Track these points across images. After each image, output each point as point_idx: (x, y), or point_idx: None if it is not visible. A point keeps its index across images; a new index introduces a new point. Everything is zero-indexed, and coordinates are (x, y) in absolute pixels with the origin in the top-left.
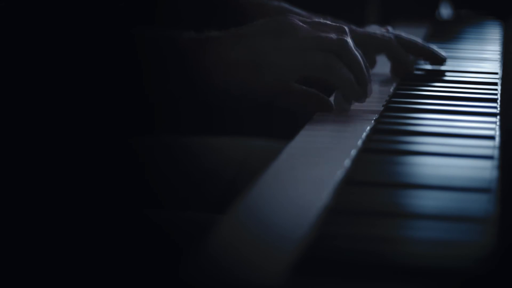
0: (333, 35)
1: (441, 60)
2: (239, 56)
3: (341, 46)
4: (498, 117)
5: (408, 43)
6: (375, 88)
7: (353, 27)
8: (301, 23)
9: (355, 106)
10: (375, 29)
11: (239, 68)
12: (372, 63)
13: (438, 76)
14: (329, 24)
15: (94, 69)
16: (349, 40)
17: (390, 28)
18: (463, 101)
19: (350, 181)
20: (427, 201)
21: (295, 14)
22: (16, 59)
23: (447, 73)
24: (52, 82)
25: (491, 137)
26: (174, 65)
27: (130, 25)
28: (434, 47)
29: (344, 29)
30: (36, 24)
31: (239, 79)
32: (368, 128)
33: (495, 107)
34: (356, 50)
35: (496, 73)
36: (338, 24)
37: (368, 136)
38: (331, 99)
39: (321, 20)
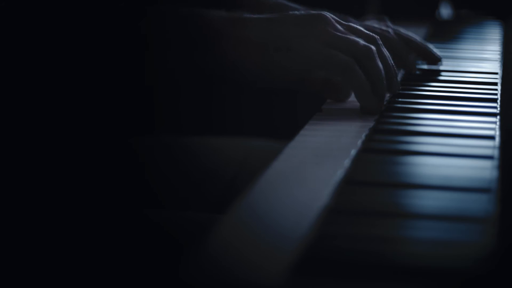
0: (361, 41)
1: (436, 60)
2: (267, 39)
3: (365, 54)
4: (498, 117)
5: (405, 39)
6: None
7: (351, 19)
8: (334, 21)
9: (355, 106)
10: (373, 23)
11: (264, 51)
12: None
13: (438, 76)
14: (362, 30)
15: (98, 66)
16: (378, 49)
17: (389, 23)
18: (463, 101)
19: (350, 181)
20: (427, 201)
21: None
22: (16, 57)
23: (447, 73)
24: (53, 82)
25: (491, 137)
26: (206, 43)
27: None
28: (431, 46)
29: (375, 39)
30: (38, 18)
31: (264, 61)
32: (368, 128)
33: (495, 107)
34: (386, 57)
35: (496, 73)
36: (371, 34)
37: (368, 136)
38: None
39: (356, 25)
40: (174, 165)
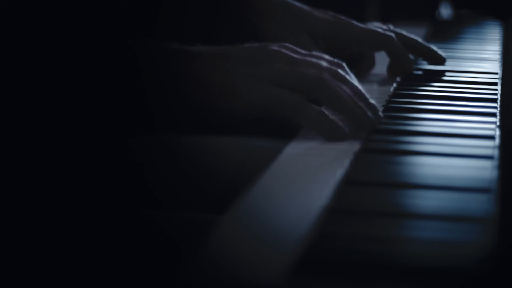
0: (312, 72)
1: (441, 60)
2: (212, 76)
3: (317, 85)
4: (498, 117)
5: (409, 41)
6: (375, 88)
7: (355, 22)
8: (288, 53)
9: None
10: (376, 26)
11: (210, 88)
12: (371, 63)
13: (438, 76)
14: (325, 58)
15: (92, 71)
16: (339, 74)
17: (391, 26)
18: (463, 101)
19: (350, 181)
20: (427, 201)
21: (298, 10)
22: (16, 57)
23: (447, 73)
24: (51, 82)
25: (491, 137)
26: (164, 74)
27: (132, 21)
28: (434, 47)
29: (340, 65)
30: (36, 25)
31: (210, 99)
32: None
33: (495, 107)
34: (348, 81)
35: (496, 73)
36: (334, 60)
37: (368, 136)
38: None
39: (318, 53)
40: (173, 165)
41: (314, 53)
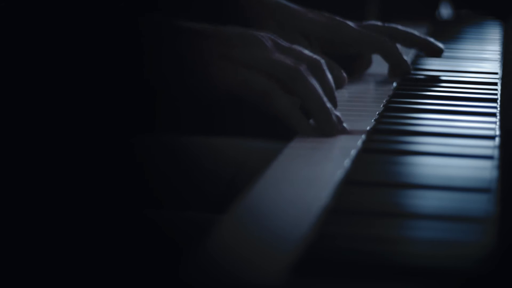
0: (289, 61)
1: (438, 51)
2: (188, 54)
3: (291, 75)
4: (498, 117)
5: (404, 35)
6: (374, 88)
7: (350, 23)
8: (268, 41)
9: (355, 106)
10: (372, 25)
11: (185, 66)
12: (367, 63)
13: (438, 76)
14: (304, 54)
15: (95, 65)
16: (320, 73)
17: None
18: (463, 101)
19: (350, 181)
20: (427, 201)
21: (293, 11)
22: (16, 57)
23: (447, 73)
24: (53, 81)
25: (491, 137)
26: (165, 50)
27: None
28: (430, 38)
29: (318, 62)
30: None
31: (184, 77)
32: (368, 128)
33: (495, 107)
34: (326, 81)
35: (496, 73)
36: (315, 57)
37: (368, 136)
38: None
39: (300, 49)
40: (174, 165)
41: (295, 46)
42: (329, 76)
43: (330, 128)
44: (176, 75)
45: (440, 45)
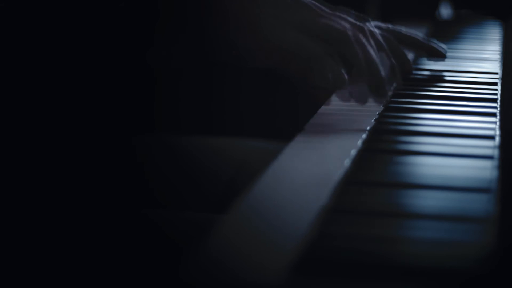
0: (339, 25)
1: (442, 55)
2: (238, 11)
3: (341, 38)
4: (498, 117)
5: (407, 38)
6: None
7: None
8: (316, 5)
9: (356, 106)
10: (375, 26)
11: (233, 22)
12: None
13: (438, 76)
14: (348, 20)
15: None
16: (362, 36)
17: (390, 26)
18: (463, 101)
19: (350, 181)
20: (427, 201)
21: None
22: (17, 57)
23: (447, 73)
24: (53, 81)
25: (491, 137)
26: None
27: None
28: (434, 42)
29: (362, 27)
30: (38, 18)
31: (232, 33)
32: (368, 128)
33: (495, 107)
34: (367, 46)
35: (496, 73)
36: (358, 23)
37: (368, 136)
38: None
39: (344, 15)
40: (173, 165)
41: (338, 13)
42: (375, 39)
43: (382, 90)
44: (223, 31)
45: (444, 47)
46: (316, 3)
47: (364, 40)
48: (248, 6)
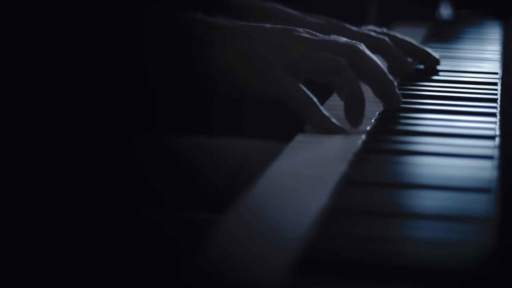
0: (330, 56)
1: (435, 62)
2: (230, 51)
3: (334, 71)
4: (498, 117)
5: (403, 44)
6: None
7: (347, 25)
8: (308, 36)
9: None
10: (370, 30)
11: (225, 61)
12: None
13: (438, 76)
14: (340, 42)
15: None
16: (351, 54)
17: (385, 29)
18: (463, 101)
19: (350, 181)
20: (427, 201)
21: (290, 16)
22: (17, 57)
23: (447, 73)
24: (53, 81)
25: (491, 137)
26: (179, 44)
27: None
28: (428, 49)
29: (356, 48)
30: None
31: (233, 75)
32: (368, 128)
33: (495, 107)
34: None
35: (496, 73)
36: (352, 43)
37: (368, 136)
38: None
39: (336, 38)
40: (174, 165)
41: (331, 37)
42: (371, 56)
43: (394, 95)
44: (210, 68)
45: (437, 56)
46: (308, 30)
47: (360, 61)
48: (241, 45)
